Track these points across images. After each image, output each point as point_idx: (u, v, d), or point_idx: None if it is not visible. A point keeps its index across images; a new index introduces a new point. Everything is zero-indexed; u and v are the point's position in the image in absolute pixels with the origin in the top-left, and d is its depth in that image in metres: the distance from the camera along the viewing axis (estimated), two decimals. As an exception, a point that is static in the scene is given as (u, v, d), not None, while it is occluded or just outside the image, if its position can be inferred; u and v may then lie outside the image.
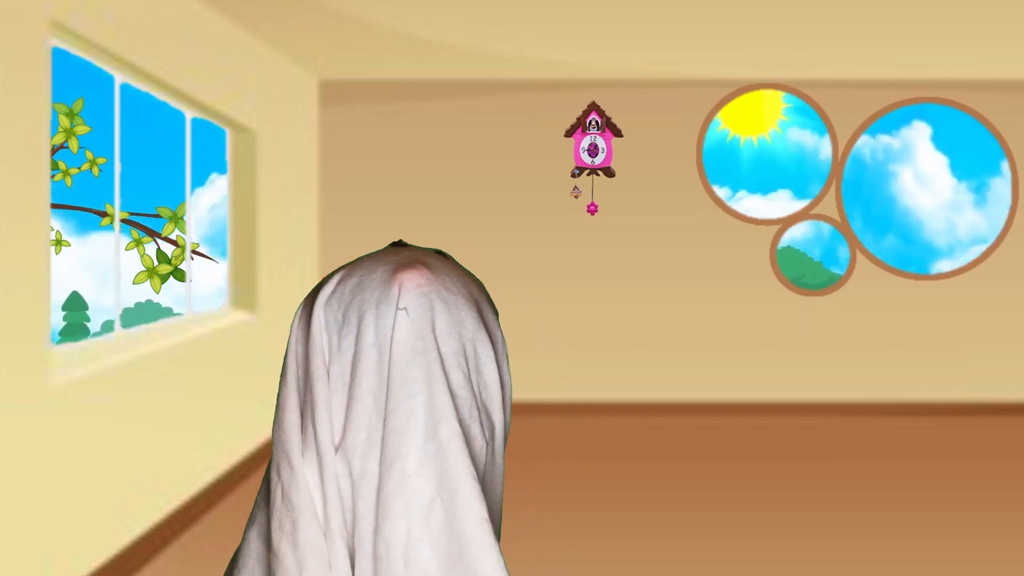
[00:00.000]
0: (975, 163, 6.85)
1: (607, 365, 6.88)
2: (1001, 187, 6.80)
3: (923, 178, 6.84)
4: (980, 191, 6.85)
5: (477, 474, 1.35)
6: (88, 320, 3.94)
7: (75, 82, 3.76)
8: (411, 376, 1.34)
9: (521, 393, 6.86)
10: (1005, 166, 6.79)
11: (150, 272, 4.36)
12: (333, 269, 1.76)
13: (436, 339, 1.36)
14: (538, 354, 6.84)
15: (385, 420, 1.33)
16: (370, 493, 1.36)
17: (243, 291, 5.55)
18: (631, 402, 6.86)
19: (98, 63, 3.86)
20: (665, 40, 5.57)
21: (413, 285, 1.38)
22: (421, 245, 1.67)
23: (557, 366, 6.85)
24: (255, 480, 5.11)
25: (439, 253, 1.54)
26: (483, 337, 1.45)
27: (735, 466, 5.40)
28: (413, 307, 1.36)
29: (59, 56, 3.51)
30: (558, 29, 5.29)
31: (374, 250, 1.61)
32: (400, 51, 5.87)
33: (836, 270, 6.87)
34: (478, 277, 1.64)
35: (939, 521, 4.41)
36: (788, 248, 6.86)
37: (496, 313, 1.55)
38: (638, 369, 6.88)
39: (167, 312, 4.59)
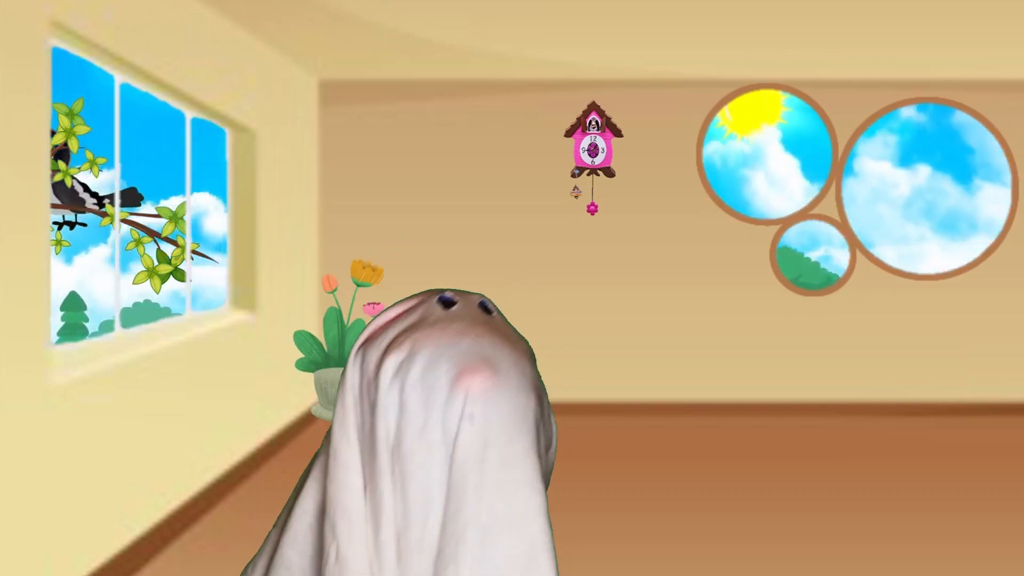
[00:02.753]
0: (825, 165, 6.86)
1: (607, 365, 6.88)
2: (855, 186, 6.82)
3: (775, 180, 6.86)
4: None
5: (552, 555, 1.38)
6: (86, 320, 3.94)
7: (75, 82, 3.75)
8: (474, 482, 1.35)
9: (521, 393, 6.85)
10: (859, 164, 6.79)
11: (150, 272, 4.35)
12: (387, 307, 1.73)
13: (507, 443, 1.37)
14: (537, 354, 6.84)
15: (447, 520, 1.34)
16: None
17: (243, 291, 5.55)
18: (631, 402, 6.86)
19: (98, 63, 3.86)
20: (665, 40, 5.57)
21: (479, 392, 1.38)
22: (466, 291, 1.66)
23: (557, 366, 6.85)
24: (255, 480, 5.11)
25: (482, 306, 1.55)
26: (544, 415, 1.49)
27: (735, 466, 5.40)
28: (480, 414, 1.37)
29: (59, 56, 3.51)
30: (558, 29, 5.29)
31: (426, 293, 1.60)
32: (400, 51, 5.87)
33: (834, 270, 6.87)
34: (522, 336, 1.64)
35: (939, 521, 4.41)
36: (785, 248, 6.86)
37: (535, 361, 1.57)
38: (638, 369, 6.88)
39: (165, 312, 4.59)
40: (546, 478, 1.48)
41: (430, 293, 1.57)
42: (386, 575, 1.36)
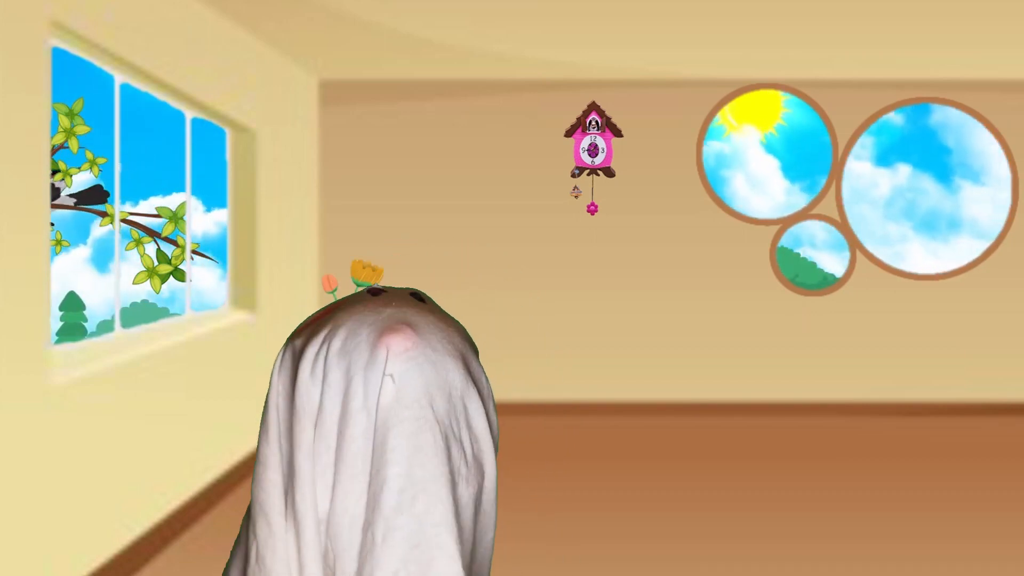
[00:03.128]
0: (806, 165, 6.86)
1: (607, 365, 6.88)
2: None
3: (755, 181, 6.86)
4: (814, 191, 6.88)
5: (462, 537, 1.34)
6: (85, 320, 3.93)
7: (75, 82, 3.75)
8: (390, 445, 1.32)
9: (520, 393, 6.85)
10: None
11: (150, 272, 4.35)
12: (310, 315, 1.72)
13: (429, 404, 1.34)
14: (537, 354, 6.84)
15: (375, 485, 1.31)
16: (352, 561, 1.35)
17: (243, 291, 5.55)
18: (631, 402, 6.86)
19: (98, 63, 3.86)
20: (665, 40, 5.57)
21: (400, 349, 1.35)
22: (397, 286, 1.65)
23: (556, 366, 6.85)
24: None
25: (415, 295, 1.52)
26: (471, 391, 1.43)
27: (735, 466, 5.40)
28: (400, 373, 1.33)
29: (59, 56, 3.51)
30: (558, 29, 5.29)
31: (349, 294, 1.57)
32: (400, 51, 5.86)
33: (831, 270, 6.86)
34: (456, 319, 1.61)
35: (939, 521, 4.41)
36: (783, 248, 6.86)
37: (477, 354, 1.53)
38: (638, 369, 6.88)
39: (164, 312, 4.59)
40: (495, 441, 1.45)
41: (359, 291, 1.55)
42: (308, 569, 1.33)
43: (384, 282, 6.86)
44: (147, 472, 3.99)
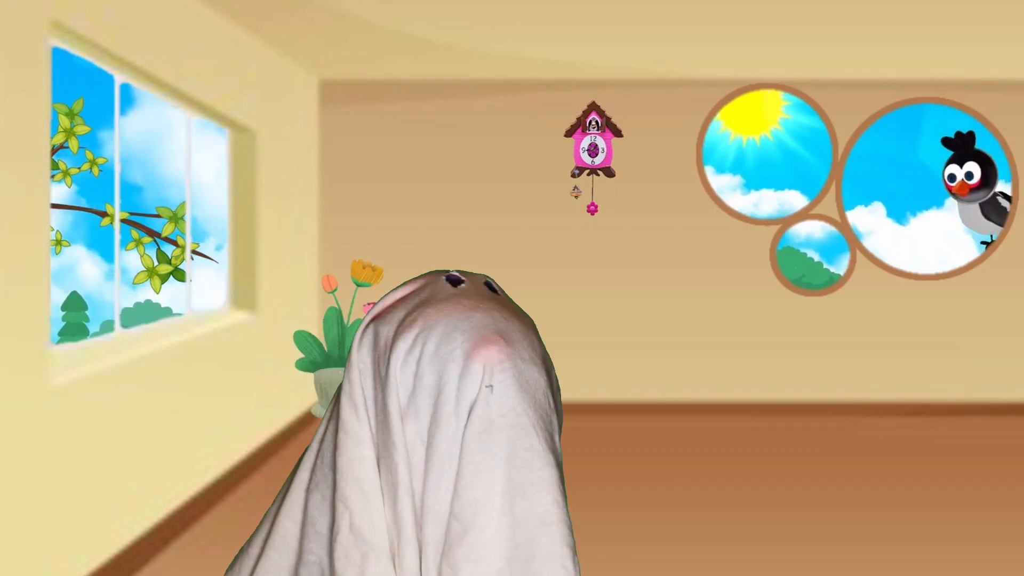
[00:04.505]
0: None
1: (607, 365, 6.88)
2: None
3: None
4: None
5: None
6: (87, 320, 3.94)
7: (75, 82, 3.75)
8: (493, 451, 1.36)
9: (521, 393, 6.84)
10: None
11: (150, 272, 4.36)
12: (389, 294, 1.72)
13: (524, 412, 1.38)
14: (538, 354, 6.83)
15: (459, 491, 1.34)
16: (435, 556, 1.37)
17: (243, 291, 5.55)
18: (631, 402, 6.86)
19: (98, 63, 3.86)
20: (665, 40, 5.57)
21: (496, 362, 1.39)
22: (469, 271, 1.69)
23: (557, 366, 6.84)
24: (255, 480, 5.11)
25: (488, 285, 1.56)
26: (554, 387, 1.50)
27: (735, 466, 5.40)
28: (497, 384, 1.38)
29: (59, 56, 3.51)
30: (558, 29, 5.29)
31: (432, 274, 1.59)
32: (400, 51, 5.87)
33: (836, 270, 6.87)
34: (524, 311, 1.67)
35: (939, 522, 4.40)
36: (788, 248, 6.86)
37: (550, 359, 1.59)
38: (638, 369, 6.88)
39: (166, 312, 4.59)
40: (558, 451, 1.49)
41: (435, 274, 1.58)
42: (405, 544, 1.35)
43: (384, 282, 6.87)
44: (147, 472, 3.99)
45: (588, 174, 6.85)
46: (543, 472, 1.38)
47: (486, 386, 1.38)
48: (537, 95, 6.84)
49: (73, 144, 3.69)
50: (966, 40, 5.55)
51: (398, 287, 1.58)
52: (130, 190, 4.23)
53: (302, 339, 6.20)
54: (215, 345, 4.91)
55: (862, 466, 5.38)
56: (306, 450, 1.60)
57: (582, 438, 6.16)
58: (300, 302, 6.44)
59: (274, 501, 1.64)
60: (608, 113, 6.84)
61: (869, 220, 6.88)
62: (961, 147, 6.73)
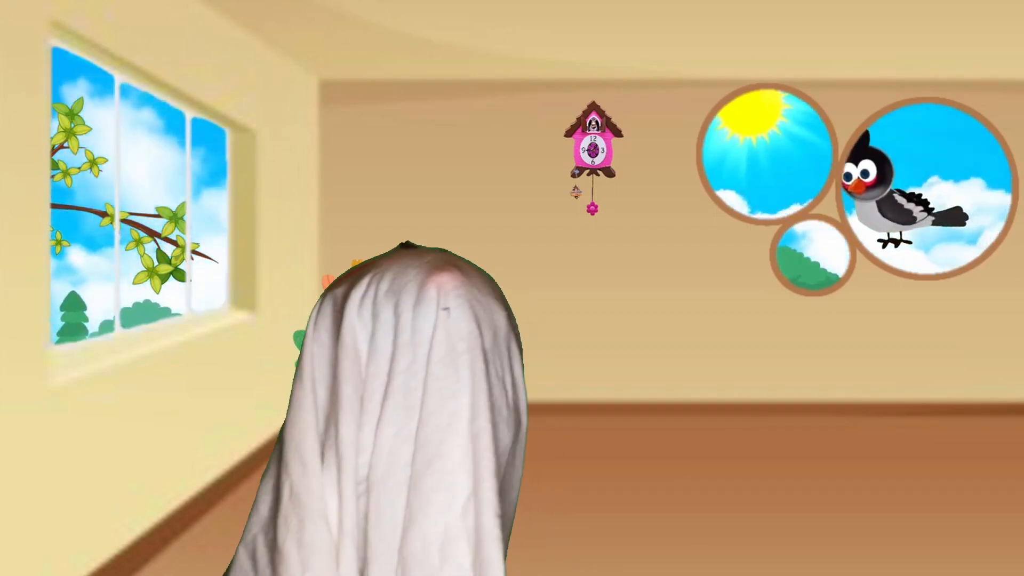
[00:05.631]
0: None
1: (607, 365, 6.88)
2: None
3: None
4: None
5: (497, 472, 1.36)
6: (86, 320, 3.93)
7: (75, 82, 3.75)
8: (454, 376, 1.34)
9: (521, 393, 6.85)
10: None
11: (150, 272, 4.35)
12: (345, 271, 1.74)
13: (480, 338, 1.37)
14: (537, 354, 6.83)
15: (424, 418, 1.33)
16: (396, 488, 1.36)
17: (243, 291, 5.55)
18: (631, 402, 6.86)
19: (98, 63, 3.86)
20: (665, 40, 5.57)
21: (451, 287, 1.38)
22: (425, 245, 1.70)
23: (556, 366, 6.85)
24: (255, 480, 5.11)
25: (452, 255, 1.55)
26: (513, 336, 1.47)
27: (735, 466, 5.40)
28: (454, 308, 1.36)
29: (59, 56, 3.51)
30: (558, 29, 5.29)
31: (381, 253, 1.59)
32: (400, 51, 5.87)
33: (834, 270, 6.86)
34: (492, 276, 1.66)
35: (939, 522, 4.41)
36: (785, 248, 6.86)
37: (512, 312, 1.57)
38: (638, 369, 6.88)
39: (166, 312, 4.59)
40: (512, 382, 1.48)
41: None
42: (346, 505, 1.34)
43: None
44: (147, 472, 3.99)
45: (588, 174, 6.85)
46: (499, 399, 1.37)
47: (443, 309, 1.36)
48: (537, 95, 6.84)
49: (73, 144, 3.68)
50: (966, 40, 5.55)
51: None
52: (130, 190, 4.23)
53: (302, 339, 6.20)
54: (215, 345, 4.90)
55: (862, 466, 5.38)
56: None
57: (582, 438, 6.17)
58: (300, 302, 6.44)
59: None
60: (608, 113, 6.84)
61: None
62: (856, 145, 6.74)
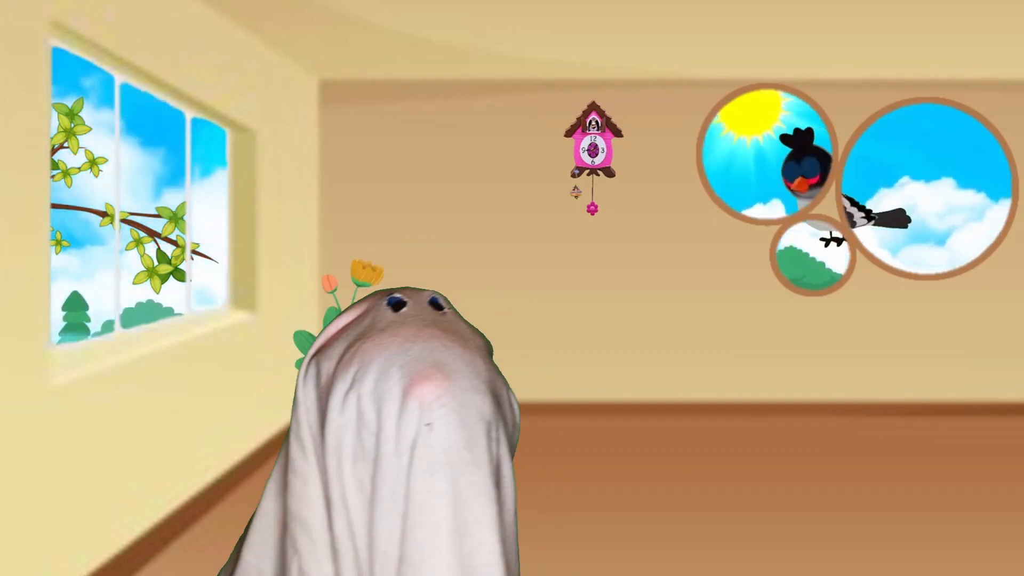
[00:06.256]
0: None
1: (607, 365, 6.88)
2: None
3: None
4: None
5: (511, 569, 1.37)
6: (88, 320, 3.94)
7: (75, 82, 3.75)
8: (436, 489, 1.34)
9: (520, 393, 6.85)
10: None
11: (150, 272, 4.36)
12: (331, 325, 1.70)
13: (466, 448, 1.36)
14: (537, 354, 6.84)
15: (407, 531, 1.33)
16: None
17: (243, 291, 5.55)
18: (631, 402, 6.86)
19: (98, 63, 3.86)
20: (665, 40, 5.57)
21: (432, 399, 1.37)
22: (416, 288, 1.67)
23: (556, 366, 6.85)
24: (255, 480, 5.11)
25: (434, 303, 1.53)
26: (499, 416, 1.46)
27: (735, 466, 5.40)
28: (436, 420, 1.36)
29: (59, 56, 3.51)
30: (558, 29, 5.29)
31: (376, 295, 1.58)
32: (400, 51, 5.87)
33: (837, 270, 6.86)
34: (479, 330, 1.63)
35: (939, 522, 4.41)
36: (790, 248, 6.85)
37: (492, 352, 1.55)
38: (638, 369, 6.88)
39: (166, 312, 4.59)
40: (511, 450, 1.47)
41: (378, 295, 1.56)
42: None
43: (384, 282, 6.86)
44: (147, 472, 3.99)
45: (588, 174, 6.85)
46: (486, 509, 1.37)
47: (425, 424, 1.37)
48: (537, 95, 6.84)
49: (73, 144, 3.69)
50: (966, 40, 5.55)
51: (341, 313, 1.57)
52: (130, 190, 4.23)
53: (302, 339, 6.19)
54: (215, 345, 4.90)
55: (862, 466, 5.38)
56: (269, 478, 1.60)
57: (582, 438, 6.17)
58: (300, 302, 6.44)
59: (243, 533, 1.63)
60: (608, 113, 6.83)
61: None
62: (799, 144, 6.75)
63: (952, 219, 6.80)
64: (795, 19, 5.07)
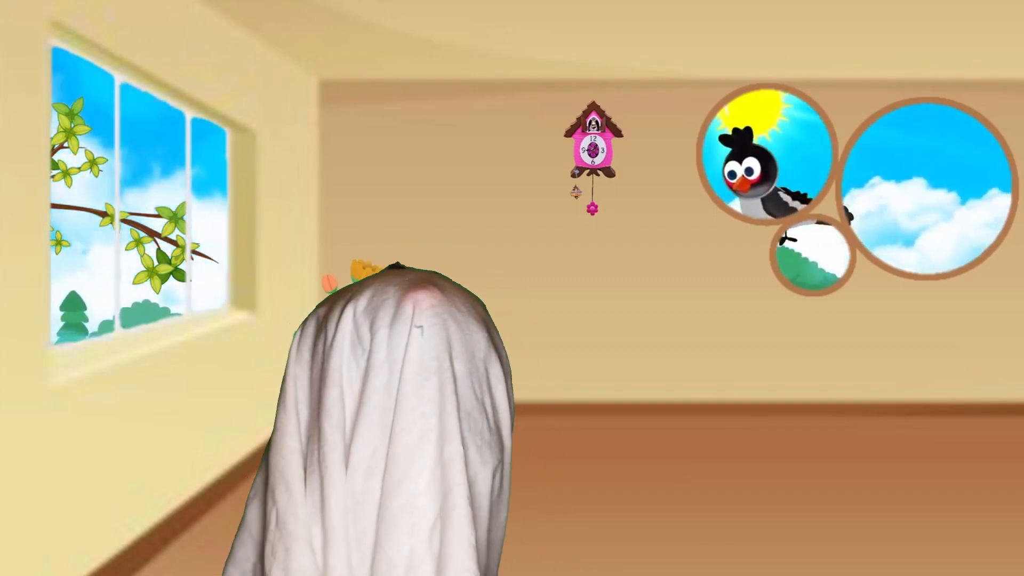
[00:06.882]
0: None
1: (607, 365, 6.88)
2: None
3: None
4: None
5: (471, 496, 1.35)
6: (86, 320, 3.93)
7: (75, 82, 3.75)
8: (425, 395, 1.33)
9: (520, 393, 6.86)
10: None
11: (150, 272, 4.35)
12: (333, 290, 1.73)
13: (451, 359, 1.35)
14: (537, 354, 6.84)
15: (394, 437, 1.31)
16: (372, 511, 1.35)
17: (243, 291, 5.55)
18: (631, 402, 6.86)
19: (98, 63, 3.86)
20: (665, 40, 5.57)
21: (427, 305, 1.37)
22: (419, 267, 1.69)
23: (556, 366, 6.85)
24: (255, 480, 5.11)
25: (436, 275, 1.54)
26: (494, 358, 1.44)
27: (735, 466, 5.40)
28: (428, 326, 1.35)
29: (59, 56, 3.51)
30: (558, 29, 5.29)
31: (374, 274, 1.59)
32: (400, 51, 5.86)
33: (832, 270, 6.86)
34: (479, 297, 1.65)
35: (939, 522, 4.40)
36: (782, 249, 6.85)
37: (498, 333, 1.54)
38: (638, 369, 6.88)
39: (166, 312, 4.59)
40: (511, 417, 1.47)
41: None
42: (338, 529, 1.33)
43: (384, 282, 6.85)
44: (147, 472, 3.99)
45: (588, 174, 6.85)
46: (458, 426, 1.36)
47: (416, 326, 1.35)
48: (537, 95, 6.84)
49: (73, 144, 3.68)
50: (966, 40, 5.55)
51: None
52: (130, 190, 4.23)
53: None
54: (215, 345, 4.90)
55: (862, 466, 5.38)
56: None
57: (582, 438, 6.16)
58: (300, 302, 6.44)
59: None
60: (608, 113, 6.83)
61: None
62: (738, 143, 6.76)
63: (923, 219, 6.80)
64: (795, 19, 5.07)
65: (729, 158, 6.76)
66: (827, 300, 6.88)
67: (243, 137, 5.54)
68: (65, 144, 3.68)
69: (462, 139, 6.88)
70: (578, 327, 6.88)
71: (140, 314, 4.36)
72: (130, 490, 3.84)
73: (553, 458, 5.62)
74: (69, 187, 3.75)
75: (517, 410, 6.90)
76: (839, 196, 6.85)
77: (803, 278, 6.85)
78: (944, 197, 6.80)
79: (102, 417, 3.60)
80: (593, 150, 6.84)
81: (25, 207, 3.09)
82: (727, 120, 6.85)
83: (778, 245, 6.84)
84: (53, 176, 3.61)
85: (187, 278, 4.66)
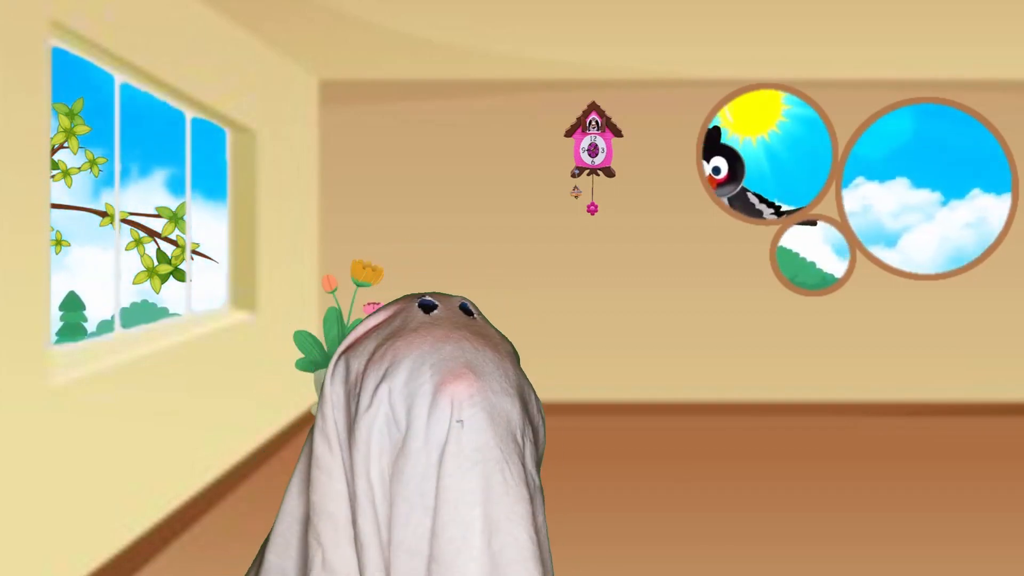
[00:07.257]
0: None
1: (607, 365, 6.87)
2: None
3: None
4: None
5: (546, 567, 1.37)
6: (85, 320, 3.93)
7: (75, 82, 3.75)
8: (468, 487, 1.34)
9: (521, 393, 6.85)
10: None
11: (150, 272, 4.35)
12: (361, 323, 1.70)
13: (496, 446, 1.37)
14: (537, 354, 6.81)
15: (437, 531, 1.33)
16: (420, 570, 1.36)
17: (243, 291, 5.54)
18: (631, 402, 6.86)
19: (98, 63, 3.86)
20: (665, 40, 5.57)
21: (465, 397, 1.38)
22: (445, 293, 1.67)
23: (557, 366, 6.84)
24: (255, 480, 5.11)
25: (463, 307, 1.54)
26: (528, 428, 1.47)
27: (735, 466, 5.40)
28: (467, 418, 1.36)
29: (59, 56, 3.51)
30: (558, 29, 5.29)
31: (406, 298, 1.59)
32: (400, 51, 5.86)
33: (831, 271, 6.86)
34: (501, 332, 1.65)
35: (939, 522, 4.40)
36: (780, 248, 6.85)
37: (519, 360, 1.56)
38: (638, 369, 6.87)
39: (166, 312, 4.59)
40: (537, 466, 1.48)
41: (410, 298, 1.57)
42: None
43: (384, 282, 6.86)
44: (147, 472, 3.99)
45: (588, 174, 6.84)
46: (517, 507, 1.37)
47: (456, 421, 1.37)
48: (537, 95, 6.84)
49: (73, 144, 3.68)
50: (966, 40, 5.55)
51: (371, 315, 1.57)
52: (130, 190, 4.23)
53: (302, 339, 6.19)
54: (215, 345, 4.90)
55: (862, 466, 5.38)
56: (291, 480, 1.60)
57: (582, 438, 6.16)
58: (300, 302, 6.44)
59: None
60: (608, 113, 6.83)
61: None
62: (706, 143, 6.76)
63: (905, 219, 6.80)
64: (795, 19, 5.07)
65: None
66: (826, 300, 6.88)
67: (243, 137, 5.53)
68: (65, 144, 3.68)
69: (462, 139, 6.88)
70: (578, 327, 6.88)
71: (139, 314, 4.36)
72: (130, 490, 3.83)
73: (553, 458, 5.61)
74: (69, 187, 3.75)
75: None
76: (839, 196, 6.85)
77: (801, 278, 6.85)
78: (928, 197, 6.80)
79: (102, 417, 3.60)
80: (593, 150, 6.83)
81: (25, 207, 3.09)
82: (727, 121, 6.85)
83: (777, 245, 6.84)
84: (53, 176, 3.60)
85: (187, 278, 4.66)
